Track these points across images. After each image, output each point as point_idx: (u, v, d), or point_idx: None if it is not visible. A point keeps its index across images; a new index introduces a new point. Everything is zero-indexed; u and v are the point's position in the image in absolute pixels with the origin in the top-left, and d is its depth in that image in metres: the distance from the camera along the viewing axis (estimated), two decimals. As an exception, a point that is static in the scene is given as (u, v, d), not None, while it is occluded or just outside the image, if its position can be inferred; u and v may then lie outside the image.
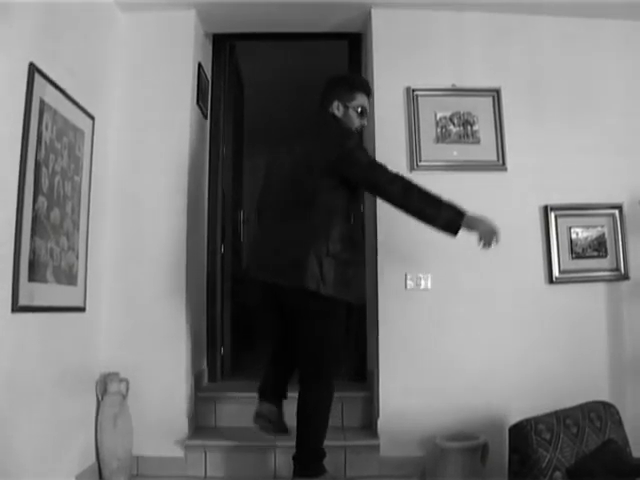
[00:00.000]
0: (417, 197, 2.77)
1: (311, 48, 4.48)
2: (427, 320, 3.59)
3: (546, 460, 2.73)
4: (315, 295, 2.81)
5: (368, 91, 3.16)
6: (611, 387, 3.68)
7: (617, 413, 3.19)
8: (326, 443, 3.00)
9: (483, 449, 3.28)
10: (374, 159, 2.95)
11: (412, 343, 3.58)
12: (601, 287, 3.74)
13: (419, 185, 2.78)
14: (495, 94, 3.72)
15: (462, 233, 2.82)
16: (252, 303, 5.11)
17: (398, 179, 2.80)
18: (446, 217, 2.75)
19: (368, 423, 3.58)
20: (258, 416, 3.16)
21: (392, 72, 3.75)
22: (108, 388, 3.25)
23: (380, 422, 3.51)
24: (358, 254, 3.03)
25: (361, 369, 4.09)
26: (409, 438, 3.49)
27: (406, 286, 3.59)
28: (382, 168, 2.84)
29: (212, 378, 4.07)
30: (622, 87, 3.93)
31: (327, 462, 2.97)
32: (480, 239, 2.79)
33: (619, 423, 3.17)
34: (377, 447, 3.41)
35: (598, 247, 3.69)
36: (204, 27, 4.01)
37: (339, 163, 2.82)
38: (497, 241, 2.80)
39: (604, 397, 3.37)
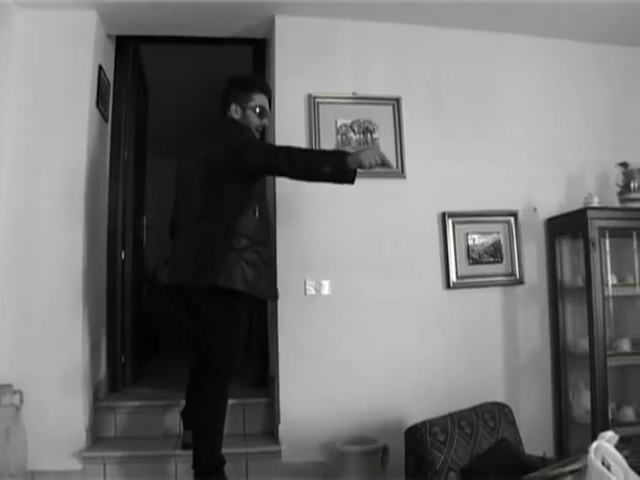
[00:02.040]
0: (301, 164, 2.80)
1: (218, 53, 4.57)
2: (327, 326, 3.73)
3: (440, 461, 2.90)
4: (222, 293, 2.91)
5: (266, 90, 3.27)
6: (506, 388, 3.93)
7: (510, 413, 3.40)
8: (227, 450, 3.09)
9: (383, 452, 3.43)
10: (265, 144, 3.13)
11: (312, 349, 3.70)
12: (497, 292, 3.99)
13: (297, 148, 2.89)
14: (395, 103, 3.91)
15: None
16: (163, 309, 5.17)
17: (282, 155, 2.79)
18: (331, 167, 2.74)
19: (270, 429, 3.65)
20: (185, 446, 3.27)
21: (294, 79, 3.88)
22: (0, 400, 3.28)
23: (281, 428, 3.60)
24: (266, 249, 3.13)
25: (263, 375, 4.20)
26: (310, 443, 3.62)
27: (305, 292, 3.72)
28: (271, 150, 3.00)
29: (112, 387, 4.09)
30: (523, 99, 4.21)
31: (228, 469, 3.05)
32: (367, 164, 2.73)
33: (512, 423, 3.38)
34: (278, 453, 3.47)
35: (494, 253, 3.93)
36: (106, 28, 4.04)
37: (231, 156, 2.92)
38: (381, 160, 2.82)
39: (500, 398, 3.59)
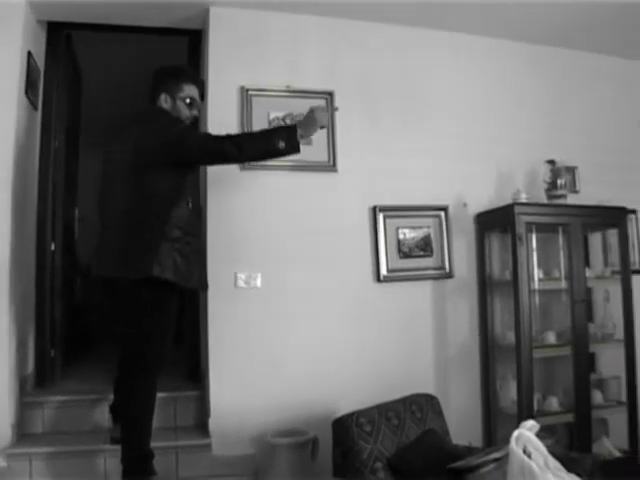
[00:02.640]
0: (251, 145, 2.94)
1: (153, 43, 4.55)
2: (258, 318, 3.76)
3: (367, 451, 2.97)
4: (152, 284, 2.92)
5: (197, 81, 3.28)
6: (436, 380, 4.03)
7: (438, 404, 3.51)
8: (157, 444, 3.11)
9: (314, 444, 3.48)
10: (204, 133, 3.15)
11: (243, 341, 3.73)
12: (427, 285, 4.09)
13: (238, 134, 3.04)
14: (329, 97, 3.96)
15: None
16: (95, 301, 5.12)
17: (227, 141, 2.85)
18: (285, 141, 2.88)
19: (202, 423, 3.64)
20: (114, 441, 3.24)
21: (227, 71, 3.89)
22: None
23: (211, 421, 3.63)
24: (197, 240, 3.15)
25: (196, 368, 4.19)
26: (241, 436, 3.65)
27: (236, 284, 3.75)
28: (213, 138, 3.00)
29: (40, 382, 4.05)
30: (455, 96, 4.31)
31: (158, 463, 3.06)
32: (325, 123, 2.99)
33: (439, 414, 3.49)
34: (209, 446, 3.48)
35: (424, 247, 4.03)
36: (36, 14, 3.98)
37: (170, 147, 2.94)
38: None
39: (430, 390, 3.69)
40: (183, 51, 4.38)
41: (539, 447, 2.86)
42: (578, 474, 2.84)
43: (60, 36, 4.29)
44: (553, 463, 2.83)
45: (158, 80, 3.23)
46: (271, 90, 3.87)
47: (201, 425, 3.81)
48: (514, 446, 2.78)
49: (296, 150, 2.82)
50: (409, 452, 3.09)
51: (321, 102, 3.38)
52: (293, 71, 3.96)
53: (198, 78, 3.31)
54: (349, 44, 4.09)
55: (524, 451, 2.80)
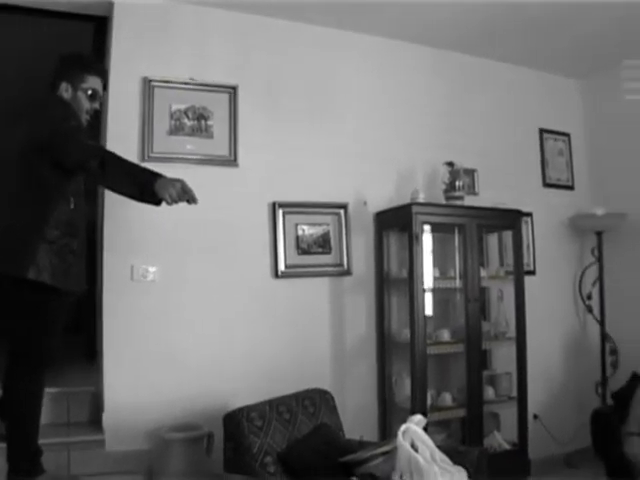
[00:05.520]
0: (113, 171, 2.79)
1: (58, 27, 4.50)
2: (154, 312, 3.80)
3: (257, 446, 3.07)
4: (28, 284, 2.89)
5: (101, 73, 3.26)
6: (333, 375, 4.19)
7: (332, 399, 3.66)
8: (48, 440, 3.12)
9: (209, 439, 3.55)
10: (87, 141, 3.02)
11: (139, 336, 3.76)
12: (325, 282, 4.24)
13: (115, 156, 2.86)
14: (232, 91, 4.05)
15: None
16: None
17: (97, 153, 2.82)
18: (141, 185, 2.74)
19: (96, 418, 3.61)
20: (1, 438, 3.15)
21: (130, 61, 3.92)
22: None
23: (105, 416, 3.64)
24: (78, 241, 3.10)
25: (91, 361, 4.23)
26: (135, 431, 3.67)
27: (132, 277, 3.78)
28: (89, 147, 2.96)
29: None
30: (359, 96, 4.49)
31: (49, 460, 3.08)
32: (167, 197, 2.70)
33: (333, 409, 3.64)
34: (102, 442, 3.45)
35: (323, 244, 4.17)
36: None
37: (53, 146, 2.90)
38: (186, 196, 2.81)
39: (327, 385, 3.83)
40: (88, 37, 4.36)
41: (426, 441, 3.05)
42: (464, 466, 3.03)
43: (-45, 17, 4.19)
44: (440, 456, 3.03)
45: (61, 67, 3.17)
46: (174, 82, 3.93)
47: (96, 421, 3.80)
48: (401, 440, 2.96)
49: (149, 199, 2.74)
50: (300, 446, 3.21)
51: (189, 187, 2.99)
52: (198, 64, 4.03)
53: (104, 70, 3.29)
54: (256, 40, 4.19)
55: (412, 445, 2.97)
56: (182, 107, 3.91)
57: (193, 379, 3.80)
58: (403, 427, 2.99)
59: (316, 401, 3.51)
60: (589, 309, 5.33)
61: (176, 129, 3.87)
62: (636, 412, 3.83)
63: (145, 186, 2.68)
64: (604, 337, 5.19)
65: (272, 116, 3.99)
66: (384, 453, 3.05)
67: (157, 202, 2.73)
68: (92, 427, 3.75)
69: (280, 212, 3.90)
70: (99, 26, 4.32)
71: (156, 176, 2.70)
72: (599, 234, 5.17)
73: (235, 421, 3.11)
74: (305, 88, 4.10)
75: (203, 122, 3.92)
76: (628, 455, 3.66)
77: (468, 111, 4.89)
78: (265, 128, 3.97)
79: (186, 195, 2.79)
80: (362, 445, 3.29)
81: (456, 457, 3.07)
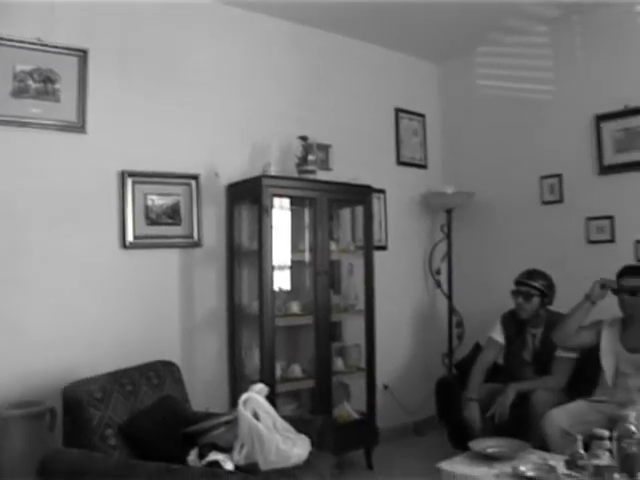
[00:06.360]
0: None
1: None
2: (-7, 284, 3.65)
3: (97, 418, 3.02)
4: None
5: None
6: (183, 348, 4.21)
7: (178, 371, 3.68)
8: None
9: (51, 415, 3.47)
10: None
11: (-27, 308, 3.60)
12: (175, 253, 4.23)
13: None
14: (82, 55, 3.93)
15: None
16: None
17: None
18: None
19: None
20: None
21: (-29, 16, 3.71)
22: None
23: (-62, 393, 3.48)
24: None
25: None
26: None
27: (-33, 245, 3.62)
28: None
29: None
30: (214, 67, 4.47)
31: None
32: None
33: (179, 380, 3.66)
34: None
35: (173, 215, 4.16)
36: None
37: None
38: None
39: (177, 358, 3.86)
40: None
41: (268, 409, 3.13)
42: (309, 435, 3.14)
43: None
44: (282, 424, 3.12)
45: None
46: (19, 41, 3.75)
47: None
48: (242, 409, 3.03)
49: None
50: (143, 418, 3.20)
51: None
52: (47, 25, 3.84)
53: None
54: (109, 5, 4.07)
55: (255, 414, 3.04)
56: (27, 68, 3.76)
57: (37, 353, 3.66)
58: (244, 396, 3.05)
59: (161, 373, 3.51)
60: (438, 284, 5.62)
61: (20, 91, 3.73)
62: (473, 379, 4.08)
63: None
64: (451, 310, 5.48)
65: (124, 83, 3.88)
66: (226, 423, 3.11)
67: None
68: None
69: (129, 181, 3.84)
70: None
71: None
72: (449, 212, 5.44)
73: (73, 394, 3.05)
74: (160, 57, 4.01)
75: (50, 85, 3.80)
76: (466, 419, 3.90)
77: (326, 87, 5.01)
78: (117, 95, 3.90)
79: None
80: (208, 416, 3.33)
81: (301, 426, 3.18)
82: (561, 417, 3.49)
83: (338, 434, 3.99)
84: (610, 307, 3.81)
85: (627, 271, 3.54)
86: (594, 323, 3.86)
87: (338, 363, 4.54)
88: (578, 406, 3.62)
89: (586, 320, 3.86)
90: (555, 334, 3.91)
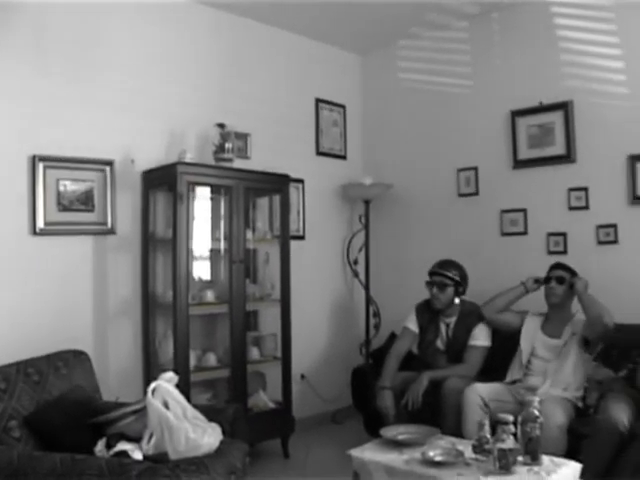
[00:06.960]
0: None
1: None
2: None
3: (0, 410, 2.97)
4: None
5: None
6: (95, 337, 4.15)
7: (88, 360, 3.64)
8: None
9: None
10: None
11: None
12: (88, 240, 4.15)
13: None
14: (-10, 33, 3.81)
15: None
16: None
17: None
18: None
19: None
20: None
21: None
22: None
23: None
24: None
25: None
26: None
27: None
28: None
29: None
30: (132, 50, 4.39)
31: None
32: None
33: (89, 370, 3.62)
34: None
35: (86, 201, 4.09)
36: None
37: None
38: None
39: (89, 348, 3.81)
40: None
41: (177, 398, 3.12)
42: (220, 423, 3.15)
43: None
44: (192, 413, 3.12)
45: None
46: None
47: None
48: (150, 397, 3.01)
49: None
50: (50, 409, 3.16)
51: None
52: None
53: None
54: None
55: (165, 402, 3.04)
56: None
57: None
58: (153, 385, 3.04)
59: (70, 362, 3.46)
60: (355, 274, 5.70)
61: None
62: (387, 367, 4.17)
63: None
64: (368, 300, 5.57)
65: (36, 65, 3.89)
66: (135, 412, 3.09)
67: None
68: None
69: (40, 166, 3.82)
70: None
71: None
72: (367, 202, 5.52)
73: (-25, 386, 2.95)
74: (75, 38, 4.06)
75: (-49, 64, 3.66)
76: (379, 407, 3.98)
77: (247, 75, 5.00)
78: (27, 76, 3.86)
79: None
80: (118, 406, 3.30)
81: (212, 415, 3.19)
82: (481, 389, 3.75)
83: (253, 423, 4.03)
84: (537, 304, 4.04)
85: (557, 265, 3.87)
86: (521, 311, 4.14)
87: (254, 352, 4.56)
88: (494, 386, 3.87)
89: (515, 306, 4.13)
90: (484, 306, 4.16)
